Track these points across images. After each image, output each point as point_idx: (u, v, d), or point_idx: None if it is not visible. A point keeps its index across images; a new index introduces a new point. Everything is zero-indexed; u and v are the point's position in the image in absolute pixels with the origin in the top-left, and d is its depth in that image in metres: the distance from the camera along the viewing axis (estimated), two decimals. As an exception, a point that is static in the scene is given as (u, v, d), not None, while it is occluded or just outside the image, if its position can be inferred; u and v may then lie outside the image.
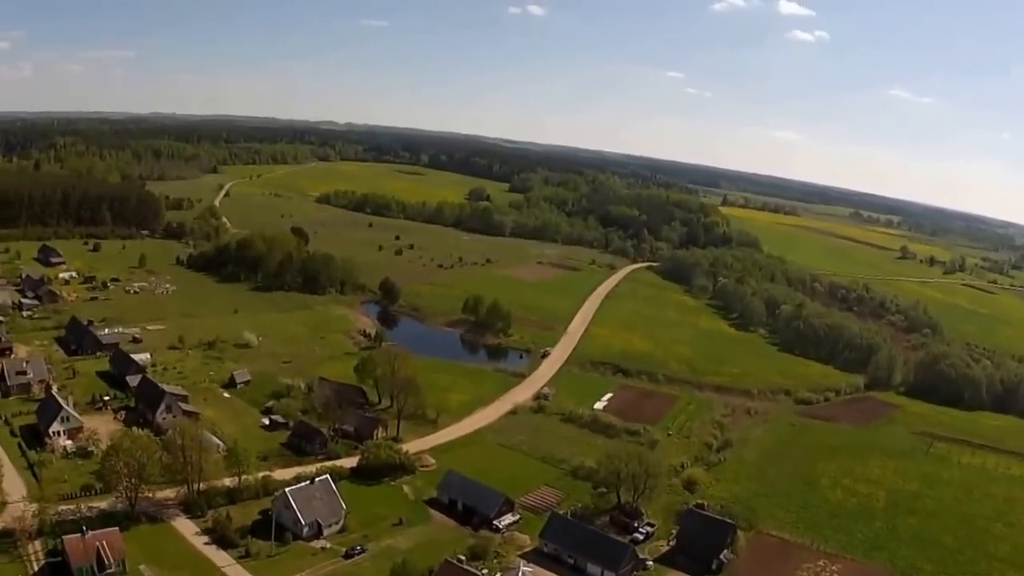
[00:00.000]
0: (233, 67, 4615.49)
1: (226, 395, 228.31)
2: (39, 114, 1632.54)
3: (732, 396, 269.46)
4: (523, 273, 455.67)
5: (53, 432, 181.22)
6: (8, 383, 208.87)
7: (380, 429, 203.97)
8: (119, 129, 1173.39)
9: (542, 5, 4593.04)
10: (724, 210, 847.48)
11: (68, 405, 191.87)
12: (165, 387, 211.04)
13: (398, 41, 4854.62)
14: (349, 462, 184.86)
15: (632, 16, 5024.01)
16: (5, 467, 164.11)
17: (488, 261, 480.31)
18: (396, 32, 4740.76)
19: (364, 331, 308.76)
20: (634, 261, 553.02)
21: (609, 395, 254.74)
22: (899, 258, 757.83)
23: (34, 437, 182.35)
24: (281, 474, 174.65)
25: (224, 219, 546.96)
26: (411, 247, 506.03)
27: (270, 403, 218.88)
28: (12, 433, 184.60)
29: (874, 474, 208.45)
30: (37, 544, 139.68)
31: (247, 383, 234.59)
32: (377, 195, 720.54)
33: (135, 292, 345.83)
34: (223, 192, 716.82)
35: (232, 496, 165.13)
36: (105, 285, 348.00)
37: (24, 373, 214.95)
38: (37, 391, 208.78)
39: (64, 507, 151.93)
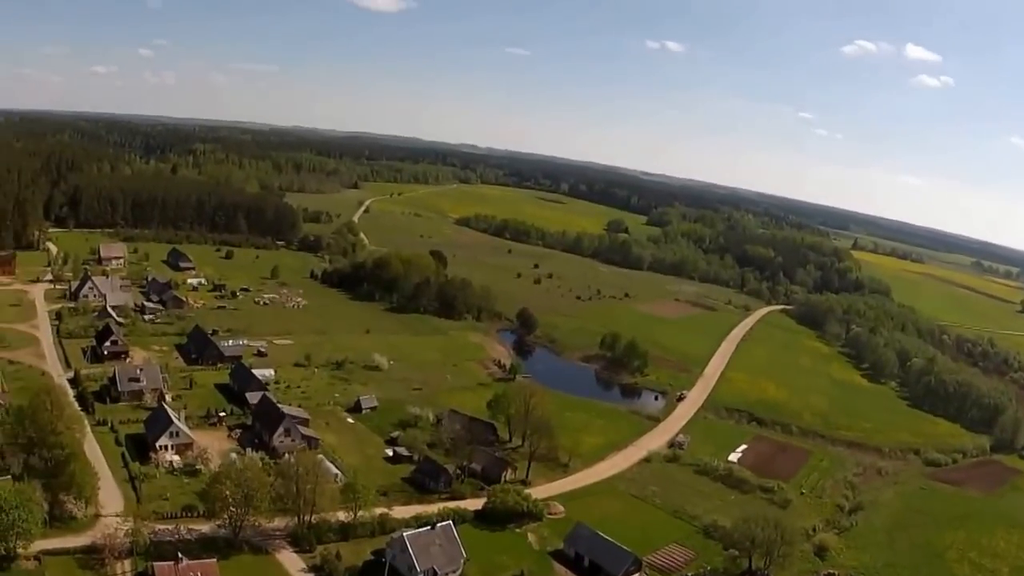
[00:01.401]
0: (378, 87, 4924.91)
1: (350, 420, 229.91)
2: (181, 120, 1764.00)
3: (863, 453, 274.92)
4: (661, 310, 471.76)
5: (160, 446, 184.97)
6: (120, 389, 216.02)
7: (509, 470, 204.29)
8: (260, 140, 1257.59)
9: (680, 41, 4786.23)
10: (855, 254, 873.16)
11: (180, 419, 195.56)
12: (286, 409, 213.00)
13: (539, 70, 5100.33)
14: (474, 504, 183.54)
15: (766, 55, 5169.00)
16: (104, 478, 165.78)
17: (626, 295, 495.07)
18: (537, 61, 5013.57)
19: (499, 361, 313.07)
20: (768, 303, 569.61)
21: (744, 446, 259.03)
22: (1019, 312, 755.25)
23: (139, 448, 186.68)
24: (400, 512, 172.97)
25: (362, 235, 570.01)
26: (550, 276, 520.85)
27: (396, 433, 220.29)
28: (117, 442, 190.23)
29: (999, 547, 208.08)
30: (126, 564, 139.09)
31: (373, 409, 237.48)
32: (517, 221, 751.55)
33: (265, 304, 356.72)
34: (363, 208, 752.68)
35: (345, 532, 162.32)
36: (234, 294, 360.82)
37: (137, 380, 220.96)
38: (149, 399, 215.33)
39: (161, 527, 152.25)
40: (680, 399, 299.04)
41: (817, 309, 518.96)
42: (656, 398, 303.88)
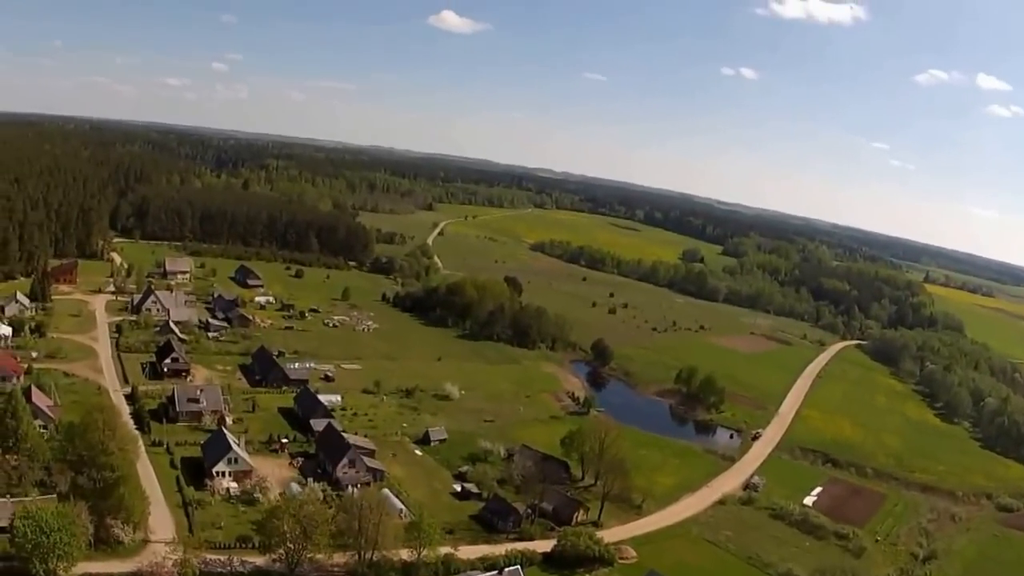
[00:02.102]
0: (453, 109, 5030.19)
1: (418, 452, 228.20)
2: (253, 135, 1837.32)
3: (937, 497, 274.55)
4: (736, 344, 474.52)
5: (217, 472, 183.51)
6: (178, 409, 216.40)
7: (581, 511, 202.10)
8: (334, 158, 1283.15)
9: (755, 68, 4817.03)
10: (928, 288, 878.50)
11: (239, 444, 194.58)
12: (351, 438, 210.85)
13: (615, 95, 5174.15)
14: (543, 546, 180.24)
15: (840, 83, 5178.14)
16: (155, 502, 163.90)
17: (701, 327, 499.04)
18: (614, 87, 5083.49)
19: (572, 394, 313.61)
20: (843, 338, 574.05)
21: (819, 488, 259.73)
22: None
23: (195, 473, 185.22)
24: (466, 552, 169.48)
25: (436, 258, 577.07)
26: (625, 306, 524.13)
27: (465, 468, 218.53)
28: (172, 464, 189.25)
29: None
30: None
31: (442, 441, 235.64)
32: (593, 248, 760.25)
33: (334, 326, 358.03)
34: (437, 230, 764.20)
35: (407, 571, 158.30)
36: (303, 315, 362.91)
37: (197, 401, 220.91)
38: (209, 421, 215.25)
39: (213, 557, 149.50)
40: (755, 438, 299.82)
41: (891, 345, 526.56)
42: (731, 436, 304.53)
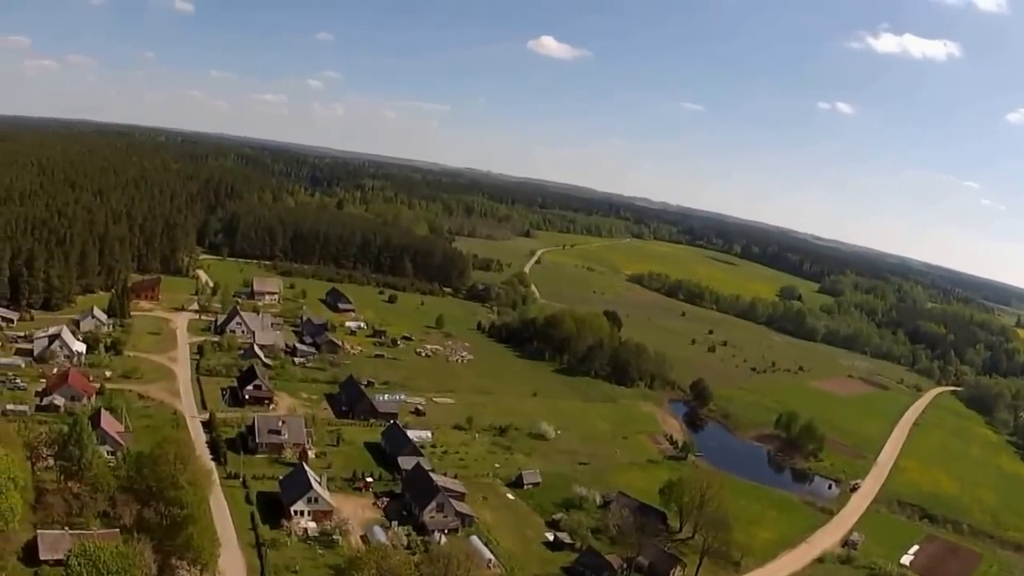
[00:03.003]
0: (550, 135, 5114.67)
1: (510, 496, 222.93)
2: (348, 153, 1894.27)
3: None
4: (833, 387, 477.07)
5: (296, 511, 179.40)
6: (257, 440, 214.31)
7: (679, 568, 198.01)
8: (431, 180, 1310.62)
9: (851, 103, 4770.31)
10: (1021, 333, 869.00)
11: (321, 482, 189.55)
12: (440, 479, 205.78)
13: (713, 126, 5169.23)
14: None
15: (932, 119, 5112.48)
16: (226, 540, 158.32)
17: (800, 369, 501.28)
18: (712, 116, 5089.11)
19: (670, 436, 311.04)
20: (939, 383, 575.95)
21: (916, 547, 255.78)
22: None
23: (272, 510, 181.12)
24: None
25: (533, 287, 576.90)
26: (724, 344, 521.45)
27: (558, 515, 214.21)
28: (247, 499, 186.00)
29: None
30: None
31: (536, 485, 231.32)
32: (691, 282, 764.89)
33: (427, 356, 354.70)
34: (534, 258, 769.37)
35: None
36: (395, 343, 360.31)
37: (278, 432, 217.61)
38: (290, 455, 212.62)
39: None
40: (854, 489, 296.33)
41: (986, 393, 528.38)
42: (830, 486, 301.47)
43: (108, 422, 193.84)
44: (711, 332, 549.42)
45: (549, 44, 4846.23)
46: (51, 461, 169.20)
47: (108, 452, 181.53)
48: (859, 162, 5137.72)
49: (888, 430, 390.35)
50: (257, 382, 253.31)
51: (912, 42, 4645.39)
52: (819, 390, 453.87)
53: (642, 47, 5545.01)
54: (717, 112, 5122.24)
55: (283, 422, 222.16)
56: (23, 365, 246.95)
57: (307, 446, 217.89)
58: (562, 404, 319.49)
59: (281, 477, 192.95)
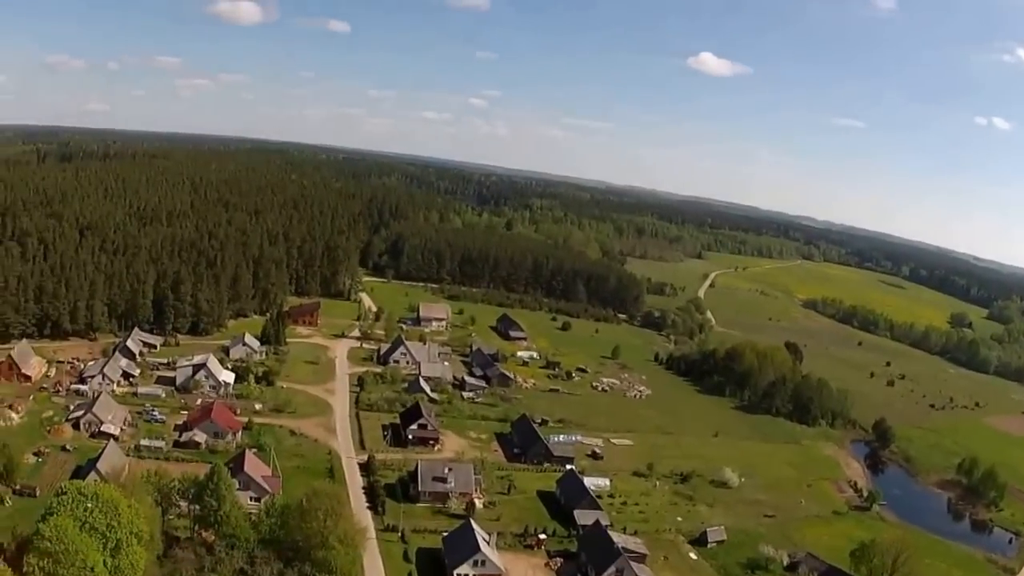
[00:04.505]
0: (713, 152, 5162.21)
1: (693, 556, 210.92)
2: (513, 171, 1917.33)
3: None
4: (1009, 426, 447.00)
5: (459, 574, 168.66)
6: (421, 487, 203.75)
7: None
8: (599, 199, 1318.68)
9: (1008, 119, 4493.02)
10: None
11: (490, 542, 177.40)
12: (620, 538, 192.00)
13: (872, 141, 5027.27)
14: None
15: None
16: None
17: (976, 405, 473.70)
18: (870, 132, 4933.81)
19: (854, 483, 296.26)
20: None
21: None
22: None
23: (433, 570, 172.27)
24: None
25: (709, 314, 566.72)
26: (901, 377, 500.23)
27: None
28: (406, 557, 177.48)
29: None
30: None
31: (720, 543, 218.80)
32: (865, 308, 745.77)
33: (604, 390, 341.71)
34: (708, 282, 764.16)
35: None
36: (569, 375, 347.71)
37: (443, 480, 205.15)
38: (455, 505, 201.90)
39: None
40: None
41: None
42: (1010, 540, 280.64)
43: (253, 465, 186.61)
44: (888, 364, 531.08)
45: (709, 61, 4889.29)
46: (184, 505, 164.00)
47: (251, 498, 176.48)
48: (1014, 179, 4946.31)
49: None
50: (422, 420, 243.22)
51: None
52: (995, 429, 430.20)
53: (800, 63, 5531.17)
54: (874, 126, 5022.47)
55: (450, 469, 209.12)
56: (163, 395, 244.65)
57: (475, 495, 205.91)
58: (744, 446, 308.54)
59: (445, 533, 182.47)
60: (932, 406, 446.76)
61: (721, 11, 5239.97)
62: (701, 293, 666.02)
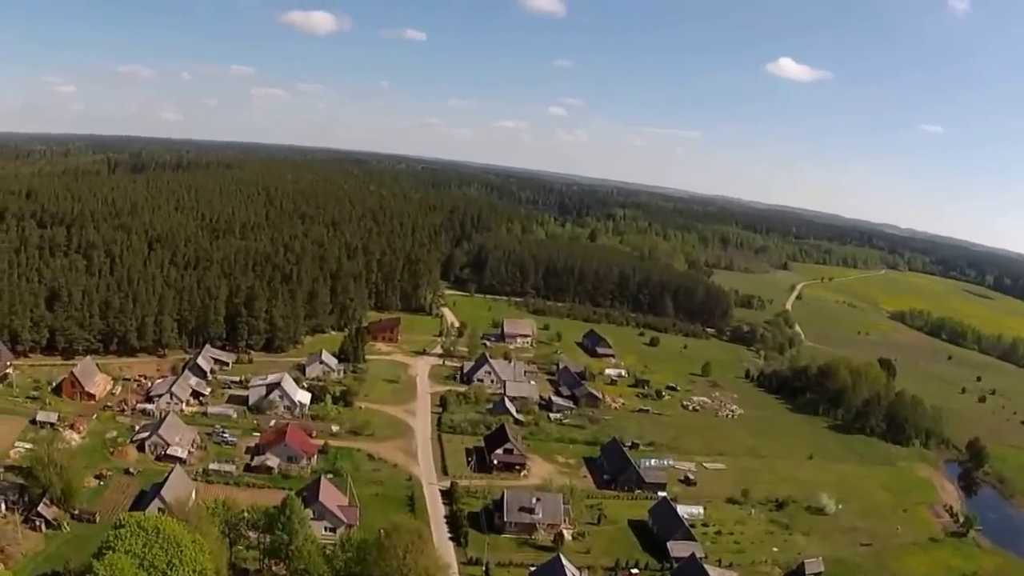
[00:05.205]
0: (794, 160, 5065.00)
1: None
2: (595, 180, 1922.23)
3: None
4: None
5: None
6: (506, 518, 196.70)
7: None
8: (683, 209, 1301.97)
9: None
10: None
11: None
12: (716, 573, 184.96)
13: (956, 147, 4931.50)
14: None
15: None
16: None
17: None
18: (951, 139, 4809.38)
19: (950, 508, 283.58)
20: None
21: None
22: None
23: None
24: None
25: (797, 327, 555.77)
26: (992, 393, 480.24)
27: None
28: None
29: None
30: None
31: (818, 575, 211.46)
32: (953, 320, 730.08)
33: (694, 409, 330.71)
34: (795, 294, 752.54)
35: None
36: (659, 394, 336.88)
37: (531, 510, 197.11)
38: (542, 536, 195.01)
39: None
40: None
41: None
42: None
43: (329, 493, 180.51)
44: (979, 379, 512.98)
45: (788, 66, 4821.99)
46: (254, 536, 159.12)
47: (326, 528, 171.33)
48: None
49: None
50: (508, 445, 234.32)
51: None
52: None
53: (880, 67, 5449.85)
54: (956, 133, 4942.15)
55: (538, 499, 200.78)
56: (235, 416, 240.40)
57: (564, 526, 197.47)
58: (839, 468, 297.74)
59: (532, 567, 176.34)
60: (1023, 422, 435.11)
61: (798, 15, 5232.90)
62: (788, 306, 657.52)
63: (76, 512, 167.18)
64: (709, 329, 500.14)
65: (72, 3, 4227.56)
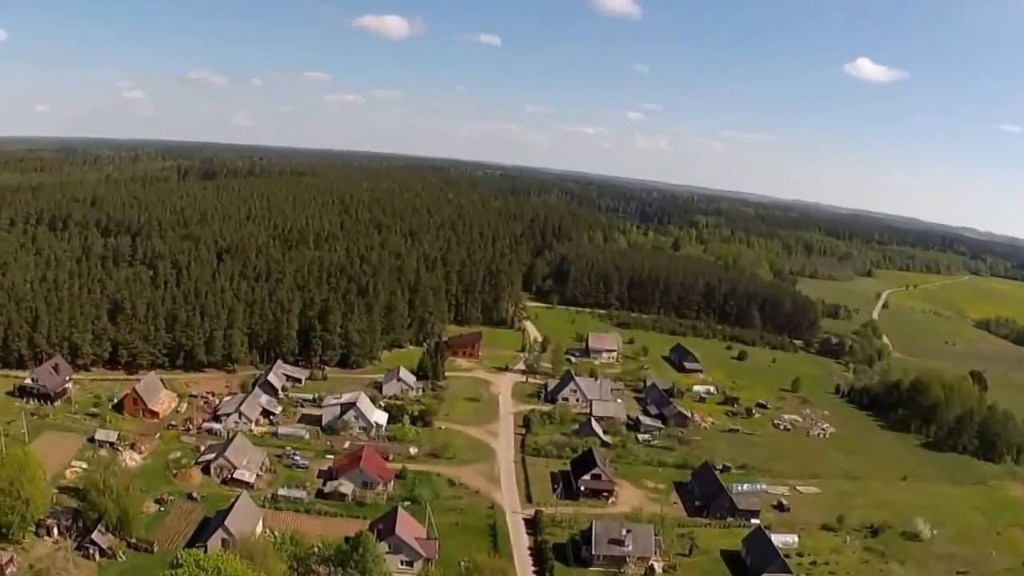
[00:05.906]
0: (872, 162, 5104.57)
1: None
2: (675, 186, 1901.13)
3: None
4: None
5: None
6: (594, 551, 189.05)
7: None
8: (765, 215, 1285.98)
9: None
10: None
11: None
12: None
13: None
14: None
15: None
16: None
17: None
18: None
19: None
20: None
21: None
22: None
23: None
24: None
25: (885, 338, 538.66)
26: None
27: None
28: None
29: None
30: None
31: None
32: None
33: (785, 428, 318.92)
34: (880, 302, 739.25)
35: None
36: (749, 412, 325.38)
37: (621, 543, 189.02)
38: (633, 570, 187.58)
39: None
40: None
41: None
42: None
43: (406, 525, 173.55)
44: None
45: (866, 67, 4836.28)
46: (324, 572, 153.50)
47: (402, 562, 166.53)
48: None
49: None
50: (596, 470, 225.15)
51: None
52: None
53: (959, 66, 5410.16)
54: None
55: (628, 530, 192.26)
56: (307, 436, 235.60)
57: (654, 558, 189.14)
58: (932, 490, 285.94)
59: None
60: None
61: (876, 15, 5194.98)
62: (875, 315, 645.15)
63: (133, 541, 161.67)
64: (797, 341, 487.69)
65: (141, 9, 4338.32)
